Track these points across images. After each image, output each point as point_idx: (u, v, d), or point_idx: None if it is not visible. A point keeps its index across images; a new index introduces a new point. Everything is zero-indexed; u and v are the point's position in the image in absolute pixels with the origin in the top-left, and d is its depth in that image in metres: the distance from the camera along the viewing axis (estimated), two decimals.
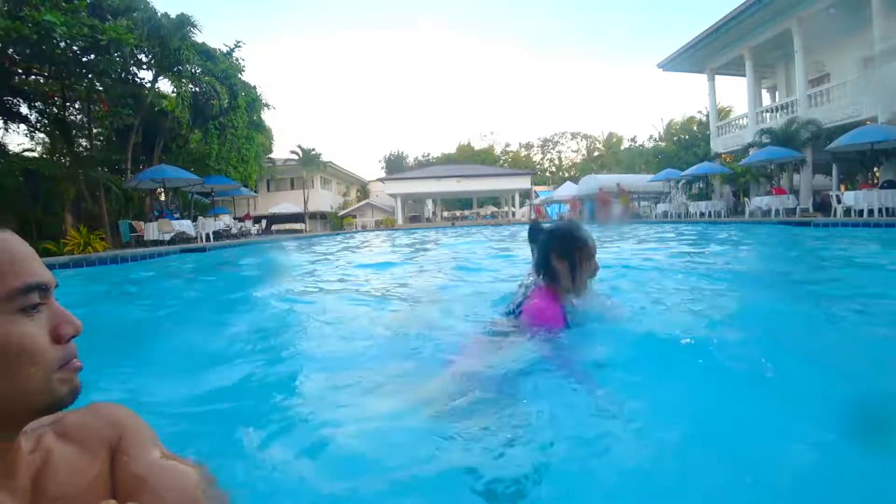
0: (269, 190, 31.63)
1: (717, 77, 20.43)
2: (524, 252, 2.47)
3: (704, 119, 27.05)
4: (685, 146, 26.56)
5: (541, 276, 1.80)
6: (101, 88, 12.65)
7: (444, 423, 1.31)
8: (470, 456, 1.16)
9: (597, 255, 1.78)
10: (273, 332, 2.72)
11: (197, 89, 14.63)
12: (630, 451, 1.17)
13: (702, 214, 16.52)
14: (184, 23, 13.08)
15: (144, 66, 13.45)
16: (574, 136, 51.69)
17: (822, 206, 13.76)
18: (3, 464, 0.55)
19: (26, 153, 14.09)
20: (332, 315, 2.93)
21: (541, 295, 1.76)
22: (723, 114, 23.57)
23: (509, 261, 5.51)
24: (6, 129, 13.34)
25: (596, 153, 49.51)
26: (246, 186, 19.62)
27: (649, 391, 1.47)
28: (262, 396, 1.70)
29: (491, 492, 1.05)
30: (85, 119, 14.02)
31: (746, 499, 1.02)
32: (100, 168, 13.70)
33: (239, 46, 16.18)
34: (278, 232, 23.71)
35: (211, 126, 16.24)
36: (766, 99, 20.36)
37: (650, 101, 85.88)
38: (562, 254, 1.74)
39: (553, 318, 1.70)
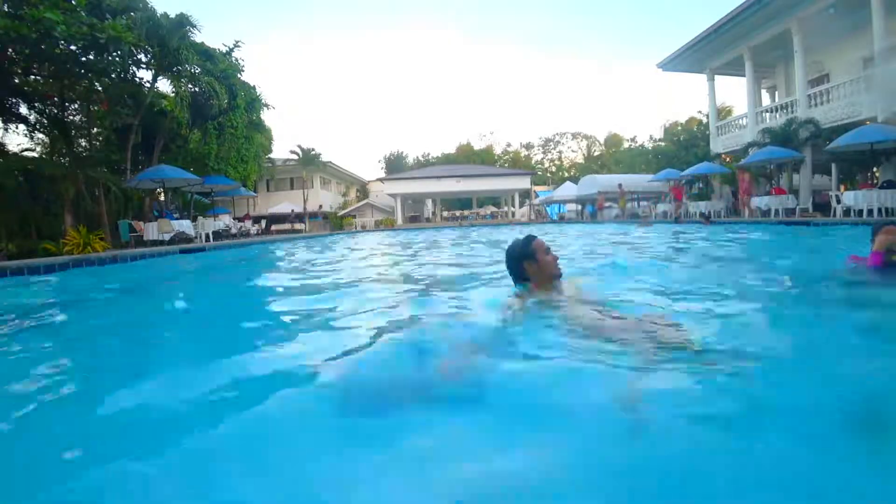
0: (268, 190, 31.65)
1: (716, 77, 20.41)
2: None
3: (704, 119, 27.06)
4: (685, 146, 26.57)
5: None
6: (100, 88, 12.63)
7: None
8: None
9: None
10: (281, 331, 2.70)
11: (196, 89, 14.63)
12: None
13: (701, 214, 16.51)
14: (183, 23, 13.07)
15: (143, 66, 13.43)
16: (575, 136, 51.77)
17: (822, 206, 13.76)
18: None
19: (26, 153, 14.08)
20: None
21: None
22: (723, 114, 23.56)
23: None
24: (6, 129, 13.33)
25: (596, 153, 49.55)
26: (245, 186, 19.62)
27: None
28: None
29: None
30: (84, 119, 14.01)
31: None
32: (99, 168, 13.68)
33: (238, 46, 16.20)
34: (278, 232, 23.67)
35: (210, 126, 16.25)
36: (766, 99, 20.36)
37: (650, 102, 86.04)
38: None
39: None
